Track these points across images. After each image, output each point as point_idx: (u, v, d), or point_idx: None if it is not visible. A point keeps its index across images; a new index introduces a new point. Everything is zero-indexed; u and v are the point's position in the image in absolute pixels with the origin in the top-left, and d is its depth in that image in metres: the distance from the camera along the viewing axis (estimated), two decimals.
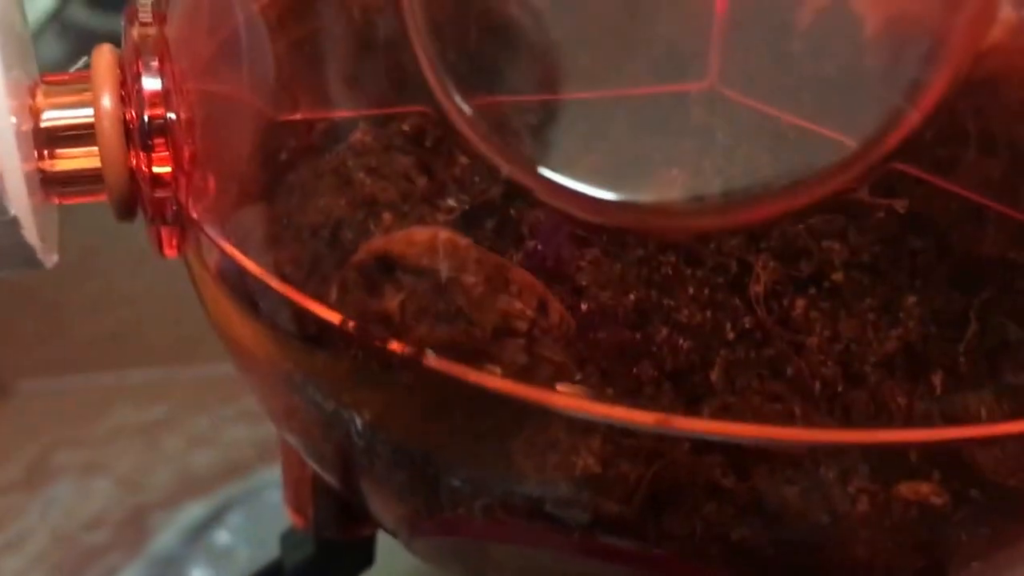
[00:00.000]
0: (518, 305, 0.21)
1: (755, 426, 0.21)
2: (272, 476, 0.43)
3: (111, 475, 0.44)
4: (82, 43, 0.25)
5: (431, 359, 0.22)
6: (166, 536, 0.42)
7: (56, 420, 0.45)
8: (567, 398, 0.21)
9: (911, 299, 0.22)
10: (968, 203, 0.23)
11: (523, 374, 0.21)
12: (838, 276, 0.22)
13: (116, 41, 0.25)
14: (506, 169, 0.21)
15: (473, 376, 0.21)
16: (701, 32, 0.25)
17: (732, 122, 0.24)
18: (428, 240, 0.22)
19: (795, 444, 0.21)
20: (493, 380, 0.21)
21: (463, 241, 0.22)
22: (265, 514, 0.43)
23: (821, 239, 0.23)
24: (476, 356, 0.21)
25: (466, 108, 0.21)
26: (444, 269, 0.21)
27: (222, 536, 0.42)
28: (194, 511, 0.43)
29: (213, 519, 0.43)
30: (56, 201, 0.25)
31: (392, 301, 0.22)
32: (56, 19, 0.60)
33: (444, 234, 0.22)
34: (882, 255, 0.23)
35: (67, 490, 0.43)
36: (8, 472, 0.44)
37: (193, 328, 0.48)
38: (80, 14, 0.63)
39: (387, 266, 0.22)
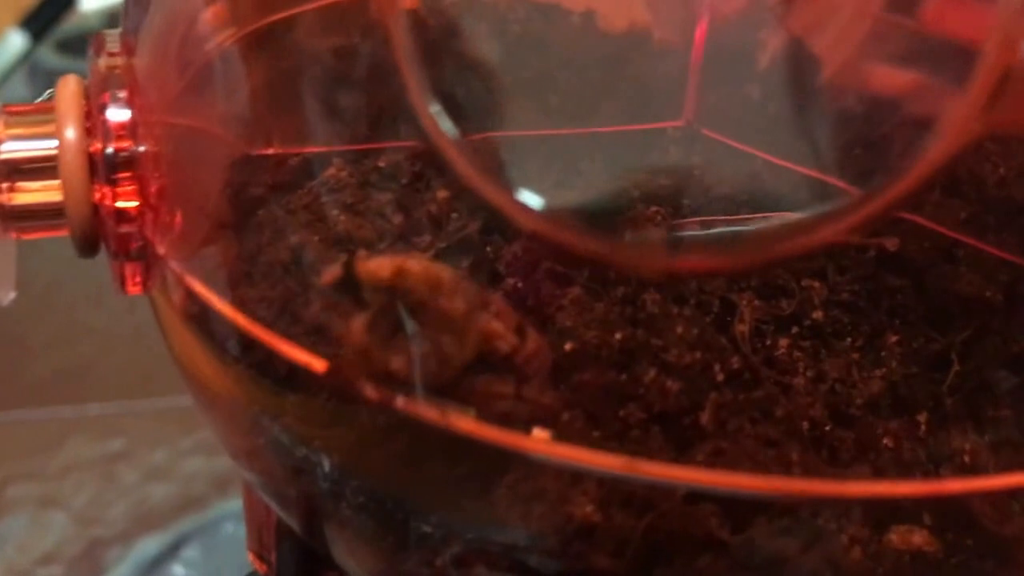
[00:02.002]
0: (499, 326, 0.19)
1: (729, 473, 0.19)
2: (229, 509, 0.41)
3: (66, 509, 0.41)
4: (51, 86, 0.23)
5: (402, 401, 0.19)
6: (121, 571, 0.40)
7: (11, 454, 0.43)
8: (534, 442, 0.19)
9: (892, 338, 0.21)
10: (944, 240, 0.22)
11: (503, 415, 0.19)
12: (819, 315, 0.21)
13: None
14: (490, 195, 0.19)
15: (441, 418, 0.19)
16: (677, 73, 0.23)
17: (709, 160, 0.23)
18: (399, 265, 0.19)
19: (774, 493, 0.19)
20: (462, 422, 0.19)
21: (435, 266, 0.20)
22: (221, 548, 0.40)
23: (802, 279, 0.21)
24: (454, 387, 0.19)
25: (451, 130, 0.19)
26: (421, 292, 0.19)
27: (178, 571, 0.40)
28: (150, 545, 0.40)
29: (169, 553, 0.40)
30: (14, 236, 0.23)
31: (359, 326, 0.19)
32: (26, 62, 0.58)
33: (415, 260, 0.20)
34: (862, 294, 0.21)
35: (22, 524, 0.41)
36: None
37: (152, 362, 0.45)
38: (50, 58, 0.61)
39: (353, 288, 0.20)
